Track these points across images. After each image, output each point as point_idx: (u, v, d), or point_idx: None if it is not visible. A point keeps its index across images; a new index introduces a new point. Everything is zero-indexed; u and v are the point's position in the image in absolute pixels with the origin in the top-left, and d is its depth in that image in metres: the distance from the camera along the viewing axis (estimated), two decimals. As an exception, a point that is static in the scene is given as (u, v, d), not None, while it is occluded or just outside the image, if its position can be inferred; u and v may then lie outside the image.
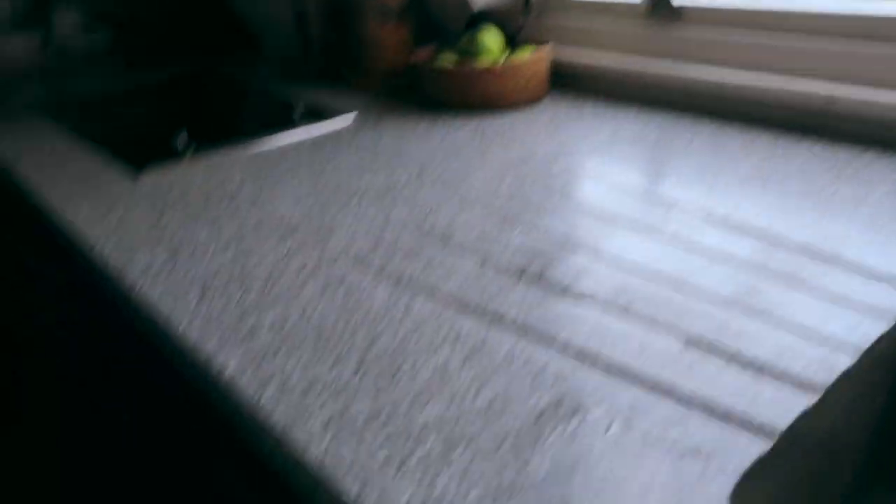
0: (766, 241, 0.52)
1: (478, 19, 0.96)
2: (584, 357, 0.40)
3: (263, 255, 0.55)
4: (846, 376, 0.37)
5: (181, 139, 0.80)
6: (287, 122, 0.87)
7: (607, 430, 0.35)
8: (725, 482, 0.31)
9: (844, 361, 0.38)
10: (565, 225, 0.57)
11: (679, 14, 0.83)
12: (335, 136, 0.84)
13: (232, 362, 0.42)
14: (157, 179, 0.73)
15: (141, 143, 0.89)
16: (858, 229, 0.52)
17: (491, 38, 0.90)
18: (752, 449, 0.33)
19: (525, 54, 0.88)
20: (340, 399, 0.38)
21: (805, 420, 0.35)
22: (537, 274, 0.49)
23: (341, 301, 0.48)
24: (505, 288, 0.48)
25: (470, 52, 0.89)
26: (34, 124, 0.99)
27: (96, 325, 0.78)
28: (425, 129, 0.84)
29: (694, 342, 0.41)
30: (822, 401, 0.36)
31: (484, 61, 0.88)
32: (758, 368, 0.38)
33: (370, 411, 0.37)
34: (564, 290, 0.47)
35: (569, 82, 0.92)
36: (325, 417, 0.37)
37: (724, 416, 0.35)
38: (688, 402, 0.36)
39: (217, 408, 0.43)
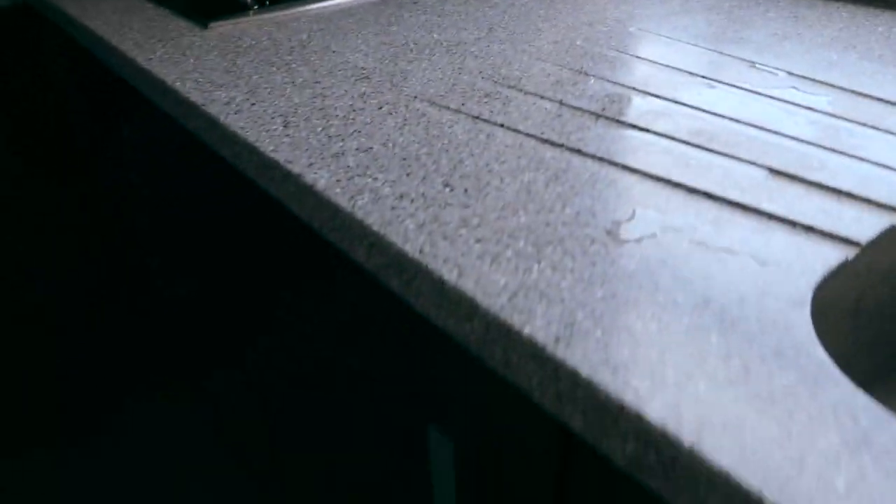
0: (848, 95, 0.51)
1: None
2: (667, 182, 0.41)
3: (340, 96, 0.56)
4: (930, 205, 0.38)
5: (245, -4, 0.79)
6: (349, -15, 0.86)
7: (692, 237, 0.36)
8: (809, 281, 0.33)
9: (929, 193, 0.39)
10: (641, 77, 0.56)
11: None
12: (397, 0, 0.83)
13: (323, 178, 0.44)
14: (226, 30, 0.74)
15: (204, 1, 0.89)
16: (946, 86, 0.51)
17: None
18: (836, 255, 0.34)
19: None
20: (431, 209, 0.40)
21: (890, 235, 0.36)
22: (615, 116, 0.50)
23: (422, 133, 0.49)
24: (583, 126, 0.49)
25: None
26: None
27: (181, 165, 0.80)
28: (489, -5, 0.83)
29: (777, 172, 0.42)
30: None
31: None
32: (841, 194, 0.39)
33: (461, 219, 0.39)
34: (644, 129, 0.48)
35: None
36: (418, 222, 0.39)
37: (807, 230, 0.36)
38: (770, 218, 0.37)
39: (307, 219, 0.45)
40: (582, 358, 0.29)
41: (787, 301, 0.31)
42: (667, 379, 0.27)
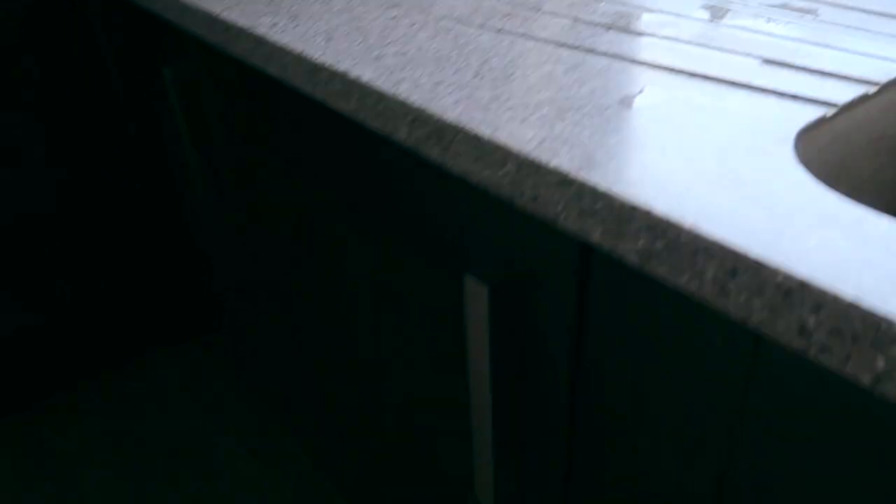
0: (837, 8, 0.57)
1: None
2: (671, 70, 0.47)
3: (374, 19, 0.62)
4: (902, 80, 0.44)
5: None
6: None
7: (693, 103, 0.42)
8: (793, 127, 0.38)
9: (902, 71, 0.44)
10: (649, 1, 0.62)
11: None
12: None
13: (366, 74, 0.49)
14: (262, -24, 0.80)
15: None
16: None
17: None
18: (818, 112, 0.40)
19: None
20: (465, 90, 0.45)
21: (863, 102, 0.41)
22: (624, 26, 0.55)
23: (451, 42, 0.54)
24: (595, 34, 0.54)
25: None
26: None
27: (237, 90, 0.86)
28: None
29: (769, 61, 0.47)
30: (880, 91, 0.42)
31: None
32: (825, 74, 0.45)
33: (491, 96, 0.44)
34: (650, 35, 0.53)
35: None
36: (454, 99, 0.44)
37: (794, 98, 0.42)
38: (762, 91, 0.43)
39: (352, 111, 0.51)
40: (600, 178, 0.34)
41: (773, 139, 0.37)
42: (670, 189, 0.33)
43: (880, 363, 0.25)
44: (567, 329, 0.43)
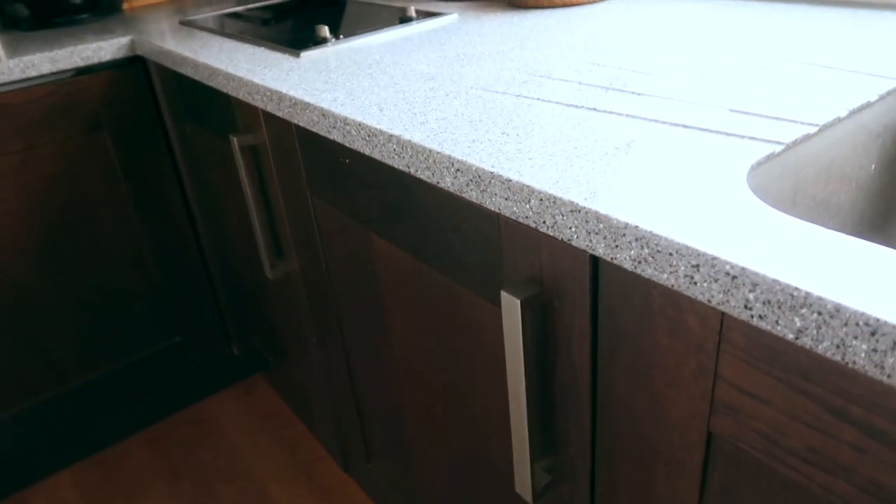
0: (794, 62, 0.69)
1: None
2: (657, 121, 0.59)
3: (415, 91, 0.75)
4: (837, 121, 0.55)
5: (323, 31, 1.01)
6: (405, 20, 1.07)
7: (669, 147, 0.54)
8: (741, 169, 0.50)
9: (841, 113, 0.56)
10: (641, 63, 0.75)
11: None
12: (445, 28, 1.04)
13: (416, 136, 0.63)
14: (314, 56, 0.95)
15: (290, 38, 1.10)
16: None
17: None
18: (764, 151, 0.52)
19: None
20: (495, 145, 0.58)
21: (806, 140, 0.53)
22: (620, 88, 0.68)
23: (481, 107, 0.68)
24: (597, 95, 0.67)
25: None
26: (196, 34, 1.22)
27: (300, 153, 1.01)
28: (518, 20, 1.03)
29: (736, 111, 0.59)
30: (821, 131, 0.54)
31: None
32: (775, 118, 0.57)
33: (516, 149, 0.57)
34: (640, 94, 0.66)
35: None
36: (487, 152, 0.57)
37: (741, 137, 0.54)
38: (727, 134, 0.55)
39: (405, 167, 0.64)
40: (602, 206, 0.46)
41: (730, 172, 0.49)
42: (652, 210, 0.45)
43: (797, 322, 0.36)
44: (588, 320, 0.55)
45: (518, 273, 0.60)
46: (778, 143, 0.53)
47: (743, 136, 0.55)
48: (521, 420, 0.62)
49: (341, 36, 1.02)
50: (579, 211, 0.47)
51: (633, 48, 0.81)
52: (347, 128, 0.71)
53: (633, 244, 0.44)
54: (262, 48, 1.04)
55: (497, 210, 0.55)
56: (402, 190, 0.72)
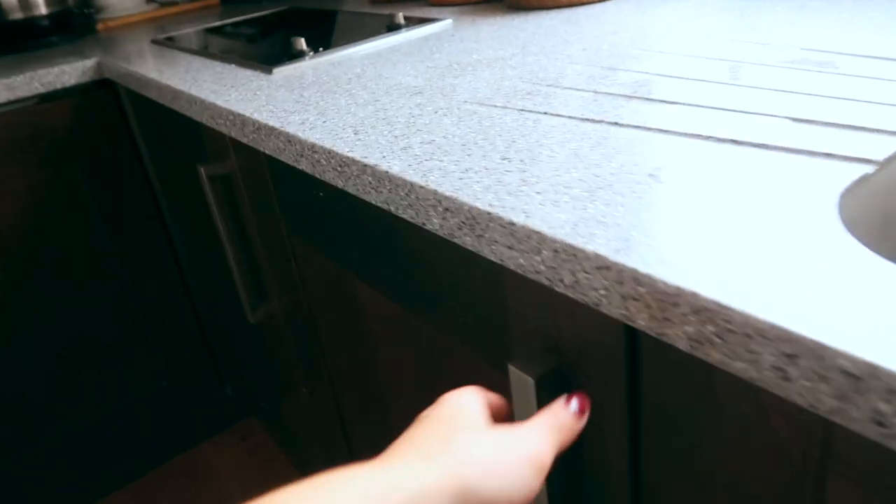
0: (854, 58, 0.56)
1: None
2: (700, 136, 0.47)
3: (399, 108, 0.63)
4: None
5: (299, 43, 0.89)
6: (392, 28, 0.95)
7: (723, 171, 0.41)
8: (833, 191, 0.37)
9: (939, 119, 0.43)
10: (665, 66, 0.62)
11: None
12: (437, 35, 0.91)
13: (396, 166, 0.50)
14: (288, 73, 0.83)
15: (264, 52, 0.99)
16: (951, 40, 0.56)
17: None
18: (857, 171, 0.39)
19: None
20: (493, 175, 0.46)
21: (903, 155, 0.40)
22: (644, 96, 0.56)
23: (476, 126, 0.55)
24: (618, 106, 0.54)
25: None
26: (166, 53, 1.11)
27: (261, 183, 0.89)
28: (520, 23, 0.91)
29: (798, 120, 0.47)
30: (918, 144, 0.41)
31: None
32: (856, 128, 0.44)
33: (520, 180, 0.44)
34: (671, 102, 0.53)
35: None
36: (484, 185, 0.45)
37: (827, 156, 0.41)
38: (795, 152, 0.42)
39: (383, 203, 0.51)
40: (640, 261, 0.34)
41: (814, 203, 0.36)
42: (713, 268, 0.32)
43: (966, 450, 0.23)
44: (623, 407, 0.42)
45: (530, 340, 0.47)
46: (867, 161, 0.40)
47: (815, 153, 0.42)
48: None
49: (321, 49, 0.90)
50: (608, 268, 0.35)
51: (654, 49, 0.68)
52: (316, 156, 0.58)
53: (691, 318, 0.31)
54: (233, 65, 0.92)
55: (499, 261, 0.42)
56: (385, 230, 0.60)
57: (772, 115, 0.48)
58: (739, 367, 0.30)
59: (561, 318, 0.43)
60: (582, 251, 0.36)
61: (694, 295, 0.31)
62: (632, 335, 0.39)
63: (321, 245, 0.74)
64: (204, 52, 1.06)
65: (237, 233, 0.97)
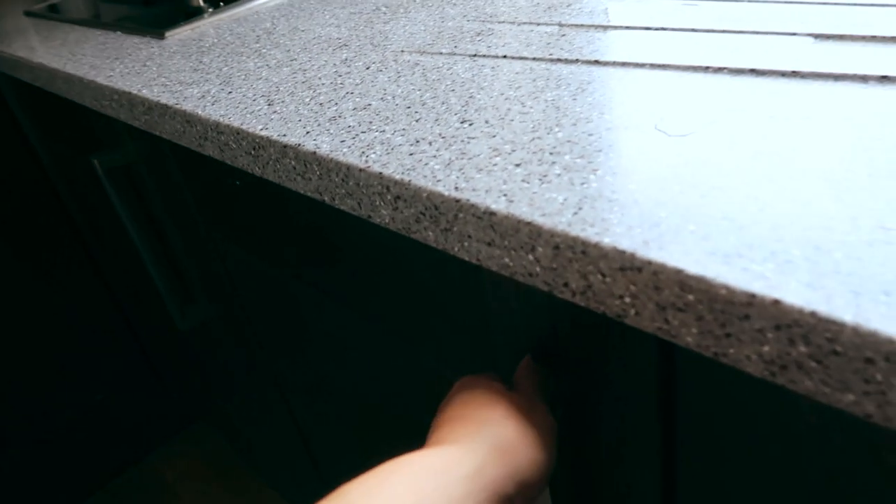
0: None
1: None
2: (710, 67, 0.37)
3: (321, 66, 0.51)
4: None
5: (196, 0, 0.75)
6: (303, -29, 0.81)
7: (753, 112, 0.31)
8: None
9: None
10: (638, -13, 0.52)
11: None
12: (357, -25, 0.78)
13: (325, 143, 0.39)
14: (185, 36, 0.69)
15: (160, 15, 0.84)
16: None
17: None
18: (930, 99, 0.30)
19: None
20: (454, 146, 0.35)
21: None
22: (625, 24, 0.45)
23: (420, 80, 0.44)
24: (593, 39, 0.44)
25: None
26: (41, 25, 0.94)
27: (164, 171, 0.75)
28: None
29: (821, 36, 0.37)
30: None
31: None
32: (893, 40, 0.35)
33: (491, 148, 0.34)
34: (660, 29, 0.43)
35: None
36: (444, 161, 0.34)
37: (881, 79, 0.32)
38: (835, 78, 0.33)
39: (314, 192, 0.40)
40: (681, 254, 0.24)
41: (887, 150, 0.27)
42: (793, 260, 0.23)
43: None
44: (655, 451, 0.33)
45: (520, 359, 0.37)
46: (937, 82, 0.31)
47: (867, 77, 0.32)
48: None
49: (221, 3, 0.76)
50: (638, 269, 0.25)
51: (620, -33, 0.57)
52: (223, 137, 0.46)
53: (769, 335, 0.22)
54: (119, 33, 0.77)
55: (476, 261, 0.32)
56: (323, 221, 0.49)
57: (790, 34, 0.38)
58: (848, 401, 0.21)
59: (561, 326, 0.34)
60: (595, 246, 0.26)
61: (776, 303, 0.21)
62: (663, 346, 0.30)
63: (246, 243, 0.62)
64: (89, 21, 0.89)
65: (152, 232, 0.84)
